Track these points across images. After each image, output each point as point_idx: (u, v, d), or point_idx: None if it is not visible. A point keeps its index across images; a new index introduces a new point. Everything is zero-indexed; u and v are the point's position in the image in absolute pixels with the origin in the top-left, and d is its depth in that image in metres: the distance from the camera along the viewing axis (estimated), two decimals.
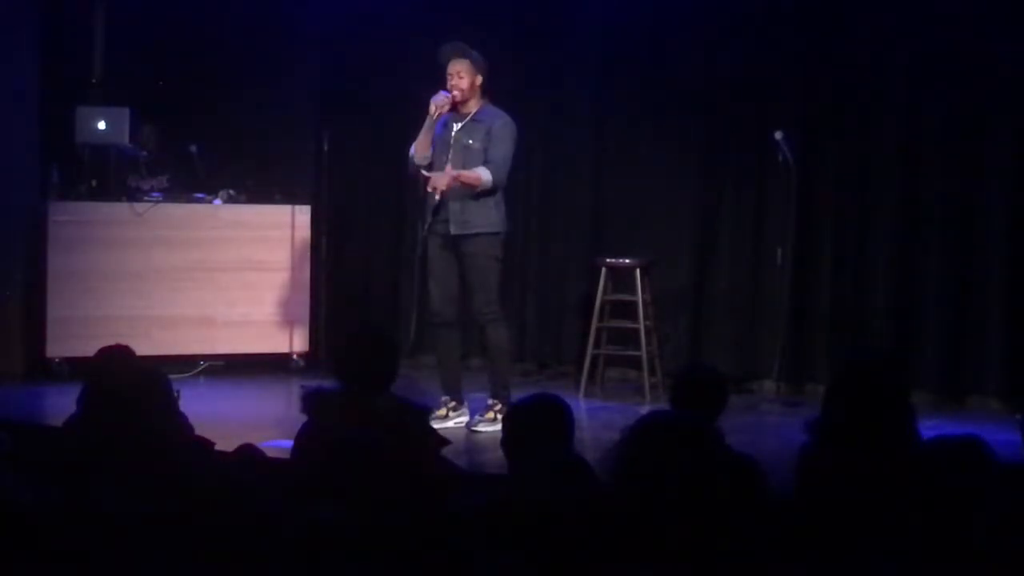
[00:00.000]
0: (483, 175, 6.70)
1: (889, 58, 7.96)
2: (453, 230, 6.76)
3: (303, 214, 8.56)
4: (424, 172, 6.78)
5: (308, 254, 8.57)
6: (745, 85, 8.33)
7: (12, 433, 4.62)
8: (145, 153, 8.87)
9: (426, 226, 6.89)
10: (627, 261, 8.08)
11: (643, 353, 7.94)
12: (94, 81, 8.82)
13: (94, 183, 8.58)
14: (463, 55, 6.80)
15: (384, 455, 3.86)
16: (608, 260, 8.11)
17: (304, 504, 3.07)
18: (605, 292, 8.08)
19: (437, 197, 6.75)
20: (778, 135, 7.83)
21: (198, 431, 4.29)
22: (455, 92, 6.75)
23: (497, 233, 6.83)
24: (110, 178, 8.72)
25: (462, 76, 6.77)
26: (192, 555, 2.88)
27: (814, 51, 8.17)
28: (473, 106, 6.82)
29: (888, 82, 7.98)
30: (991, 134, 7.73)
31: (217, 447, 4.17)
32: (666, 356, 8.20)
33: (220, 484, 3.29)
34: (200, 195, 8.56)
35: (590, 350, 8.09)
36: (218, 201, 8.52)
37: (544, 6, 8.92)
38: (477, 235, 6.76)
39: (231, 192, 8.57)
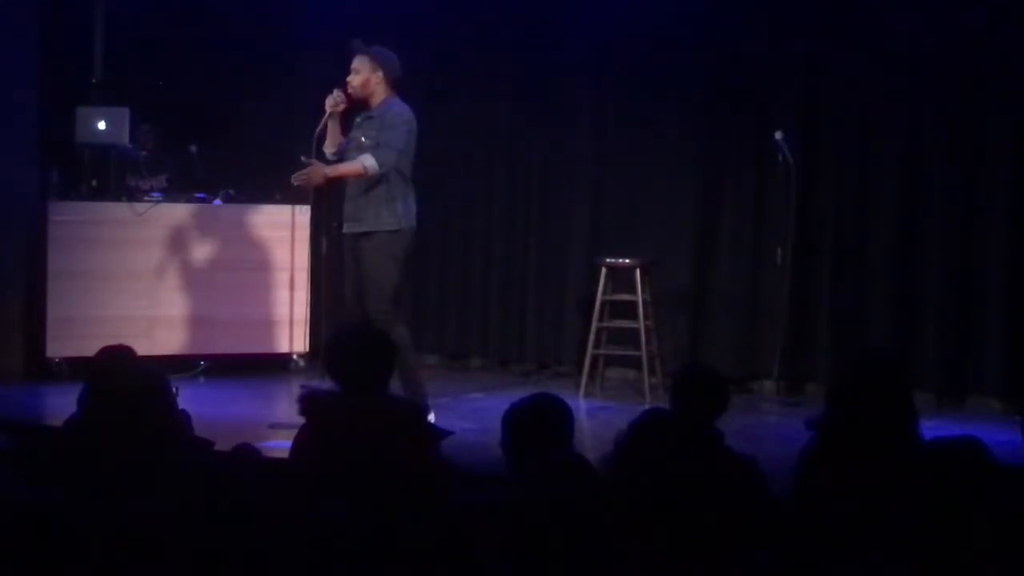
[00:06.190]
0: (365, 161, 6.59)
1: (889, 58, 7.96)
2: (346, 228, 6.73)
3: (303, 214, 8.54)
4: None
5: (308, 254, 8.56)
6: (745, 85, 8.33)
7: (12, 433, 4.62)
8: (145, 153, 8.88)
9: (342, 226, 6.85)
10: (627, 261, 8.08)
11: (643, 353, 7.94)
12: (94, 81, 8.82)
13: (94, 183, 8.58)
14: (360, 52, 6.74)
15: (383, 455, 3.86)
16: (608, 260, 8.11)
17: (303, 504, 3.06)
18: (605, 292, 8.08)
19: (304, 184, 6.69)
20: (778, 135, 7.84)
21: (198, 431, 4.28)
22: (349, 89, 6.71)
23: (395, 231, 6.67)
24: (110, 178, 8.72)
25: (357, 72, 6.71)
26: (192, 555, 2.88)
27: (814, 51, 8.17)
28: (376, 102, 6.76)
29: (888, 82, 7.98)
30: (991, 134, 7.74)
31: (217, 447, 4.17)
32: (666, 356, 8.20)
33: (220, 484, 3.29)
34: (200, 195, 8.54)
35: (590, 350, 8.09)
36: (218, 201, 8.52)
37: (544, 7, 8.92)
38: (371, 233, 6.65)
39: (231, 192, 8.56)
